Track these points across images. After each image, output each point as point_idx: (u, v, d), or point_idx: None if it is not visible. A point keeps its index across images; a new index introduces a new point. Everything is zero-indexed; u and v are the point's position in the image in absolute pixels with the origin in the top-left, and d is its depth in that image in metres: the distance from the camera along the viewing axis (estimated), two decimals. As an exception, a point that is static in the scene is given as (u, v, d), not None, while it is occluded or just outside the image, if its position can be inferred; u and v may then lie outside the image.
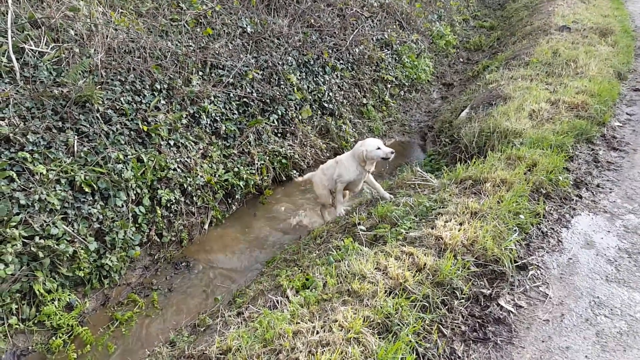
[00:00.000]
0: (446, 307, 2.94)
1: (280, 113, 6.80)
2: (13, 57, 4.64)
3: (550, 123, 5.45)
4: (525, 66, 7.56)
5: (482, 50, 11.38)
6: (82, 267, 4.10)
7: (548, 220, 3.94)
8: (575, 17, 9.93)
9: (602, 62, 7.39)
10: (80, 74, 4.93)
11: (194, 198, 5.35)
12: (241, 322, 3.11)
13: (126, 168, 4.67)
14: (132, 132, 5.03)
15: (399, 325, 2.68)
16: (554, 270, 3.39)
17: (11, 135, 4.07)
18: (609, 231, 3.84)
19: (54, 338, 3.75)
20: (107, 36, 5.61)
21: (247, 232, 5.61)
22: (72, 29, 5.36)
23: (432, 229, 3.60)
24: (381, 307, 2.76)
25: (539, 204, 4.06)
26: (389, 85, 8.91)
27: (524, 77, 7.03)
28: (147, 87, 5.49)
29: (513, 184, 4.14)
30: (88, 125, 4.70)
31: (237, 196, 5.88)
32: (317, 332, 2.61)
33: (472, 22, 13.20)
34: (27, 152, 4.09)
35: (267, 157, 6.40)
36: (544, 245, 3.64)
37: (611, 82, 6.76)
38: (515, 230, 3.62)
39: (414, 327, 2.69)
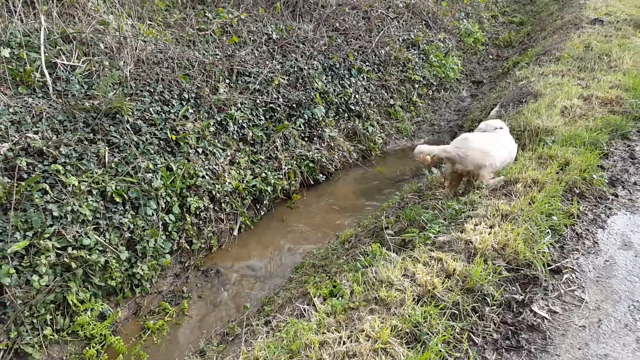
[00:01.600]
0: (477, 314, 2.86)
1: (306, 117, 6.82)
2: (46, 71, 4.84)
3: (583, 119, 5.25)
4: (556, 61, 7.32)
5: (512, 47, 11.10)
6: (114, 277, 4.20)
7: (582, 221, 3.78)
8: (607, 9, 9.56)
9: (637, 54, 7.08)
10: (110, 86, 5.09)
11: (223, 204, 5.43)
12: (269, 332, 3.12)
13: (156, 177, 4.78)
14: (161, 142, 5.15)
15: (427, 334, 2.63)
16: (590, 273, 3.25)
17: (44, 148, 4.23)
18: (648, 231, 3.67)
19: (87, 348, 3.83)
20: (136, 48, 5.78)
21: (275, 237, 5.64)
22: (102, 43, 5.55)
23: (462, 232, 3.52)
24: (409, 316, 2.72)
25: (572, 204, 3.91)
26: (416, 85, 8.81)
27: (555, 72, 6.80)
28: (176, 96, 5.61)
29: (545, 184, 4.00)
30: (118, 136, 4.84)
31: (265, 201, 5.93)
32: (344, 343, 2.59)
33: (501, 18, 12.89)
34: (59, 164, 4.23)
35: (295, 162, 6.42)
36: (578, 248, 3.50)
37: (647, 74, 6.46)
38: (547, 232, 3.49)
39: (444, 335, 2.63)
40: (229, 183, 5.48)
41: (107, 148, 4.67)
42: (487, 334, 2.75)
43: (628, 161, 4.73)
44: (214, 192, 5.29)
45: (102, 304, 4.10)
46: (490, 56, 10.82)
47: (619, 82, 6.13)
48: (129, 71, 5.43)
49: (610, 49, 7.29)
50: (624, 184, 4.34)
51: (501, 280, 3.10)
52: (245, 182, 5.72)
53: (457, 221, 3.80)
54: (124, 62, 5.51)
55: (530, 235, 3.41)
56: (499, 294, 2.97)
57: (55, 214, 3.98)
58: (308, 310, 3.15)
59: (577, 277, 3.22)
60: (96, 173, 4.43)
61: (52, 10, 5.53)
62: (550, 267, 3.26)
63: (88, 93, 4.98)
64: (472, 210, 3.86)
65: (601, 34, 8.14)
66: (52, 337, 3.73)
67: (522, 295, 3.02)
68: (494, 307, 2.92)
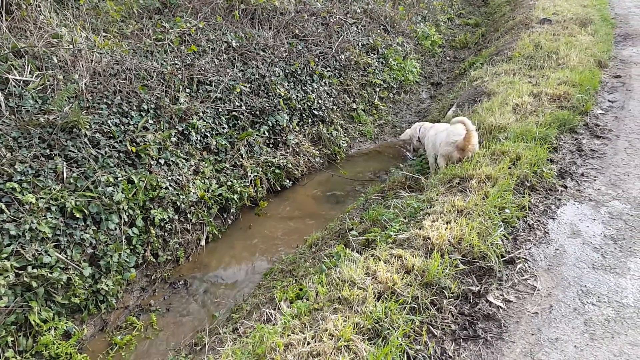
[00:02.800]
0: (435, 307, 2.97)
1: (270, 124, 6.86)
2: (-3, 88, 4.71)
3: (533, 116, 5.51)
4: (508, 61, 7.64)
5: (468, 48, 11.47)
6: (77, 294, 4.12)
7: (534, 213, 3.98)
8: (555, 8, 10.04)
9: (583, 51, 7.47)
10: (65, 100, 4.99)
11: (188, 215, 5.40)
12: (236, 339, 3.14)
13: (117, 190, 4.72)
14: (121, 154, 5.08)
15: (388, 329, 2.72)
16: (542, 262, 3.43)
17: (-2, 166, 4.12)
18: (594, 219, 3.89)
19: (52, 368, 3.74)
20: (91, 60, 5.69)
21: (244, 245, 5.65)
22: (56, 56, 5.43)
23: (420, 229, 3.64)
24: (371, 313, 2.80)
25: (524, 197, 4.10)
26: (377, 89, 8.99)
27: (507, 71, 7.10)
28: (134, 108, 5.55)
29: (498, 179, 4.19)
30: (76, 151, 4.75)
31: (232, 210, 5.92)
32: (308, 343, 2.65)
33: (457, 21, 13.30)
34: (15, 182, 4.12)
35: (260, 169, 6.45)
36: (530, 238, 3.68)
37: (592, 70, 6.83)
38: (501, 225, 3.66)
39: (404, 329, 2.73)
40: (194, 193, 5.45)
41: (64, 163, 4.58)
42: (445, 325, 2.86)
43: (576, 154, 4.99)
44: (178, 203, 5.26)
45: (66, 322, 4.01)
46: (448, 58, 11.15)
47: (567, 79, 6.45)
48: (85, 84, 5.33)
49: (558, 47, 7.65)
50: (572, 175, 4.58)
51: (458, 273, 3.23)
52: (210, 191, 5.70)
53: (416, 219, 3.93)
54: (79, 75, 5.41)
55: (485, 228, 3.57)
56: (455, 286, 3.10)
57: (13, 233, 3.88)
58: (274, 314, 3.18)
59: (529, 267, 3.38)
60: (54, 189, 4.34)
61: (1, 24, 5.39)
62: (504, 258, 3.42)
63: (42, 108, 4.86)
64: (430, 207, 4.00)
65: (550, 33, 8.52)
66: (14, 359, 3.63)
67: (478, 286, 3.16)
68: (452, 299, 3.04)
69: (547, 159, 4.74)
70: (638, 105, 6.01)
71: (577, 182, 4.47)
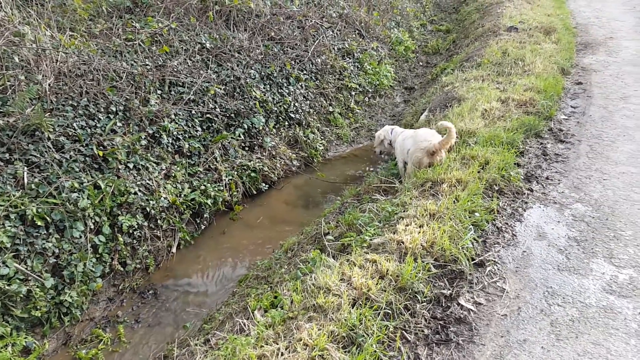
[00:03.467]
0: (409, 312, 2.99)
1: (246, 126, 6.78)
2: (-46, 90, 4.49)
3: (501, 121, 5.65)
4: (478, 67, 7.81)
5: (440, 54, 11.68)
6: (38, 307, 3.93)
7: (502, 216, 4.07)
8: (521, 17, 10.34)
9: (547, 59, 7.72)
10: (27, 101, 4.80)
11: (159, 221, 5.26)
12: (207, 351, 3.07)
13: (82, 196, 4.55)
14: (87, 158, 4.92)
15: (363, 336, 2.71)
16: (510, 264, 3.51)
17: (-47, 172, 3.92)
18: (558, 221, 4.01)
19: (11, 386, 3.55)
20: (56, 60, 5.48)
21: (218, 251, 5.55)
22: (17, 55, 5.21)
23: (394, 233, 3.66)
24: (345, 320, 2.79)
25: (492, 200, 4.20)
26: (353, 93, 9.05)
27: (477, 78, 7.26)
28: (102, 110, 5.39)
29: (468, 183, 4.27)
30: (38, 155, 4.57)
31: (205, 215, 5.81)
32: (282, 354, 2.61)
33: (429, 27, 13.54)
34: (-29, 189, 3.93)
35: (235, 172, 6.36)
36: (499, 241, 3.76)
37: (556, 77, 7.07)
38: (471, 228, 3.73)
39: (378, 336, 2.73)
40: (165, 198, 5.33)
41: (25, 168, 4.39)
42: (418, 330, 2.88)
43: (541, 158, 5.15)
44: (148, 209, 5.12)
45: (25, 337, 3.81)
46: (421, 63, 11.33)
47: (532, 85, 6.65)
48: (49, 85, 5.14)
49: (524, 55, 7.89)
50: (538, 179, 4.72)
51: (430, 276, 3.27)
52: (182, 196, 5.59)
53: (391, 222, 3.96)
54: (43, 75, 5.21)
55: (456, 232, 3.62)
56: (428, 290, 3.13)
57: (-32, 242, 3.68)
58: (247, 324, 3.13)
59: (498, 269, 3.46)
60: (14, 196, 4.15)
61: (-42, 22, 5.15)
62: (475, 261, 3.49)
63: (2, 110, 4.65)
64: (404, 211, 4.03)
65: (516, 41, 8.78)
66: (-33, 379, 3.45)
67: (449, 289, 3.20)
68: (425, 303, 3.07)
69: (515, 163, 4.86)
70: (598, 111, 6.26)
71: (543, 185, 4.60)
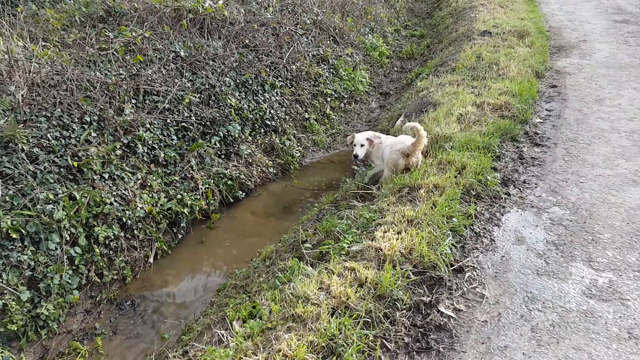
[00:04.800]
0: (389, 319, 3.00)
1: (222, 134, 6.74)
2: None
3: (477, 125, 5.73)
4: (452, 72, 7.92)
5: (415, 59, 11.81)
6: (14, 320, 3.87)
7: (480, 221, 4.12)
8: (495, 21, 10.54)
9: (521, 62, 7.88)
10: (0, 113, 4.69)
11: (135, 231, 5.19)
12: (185, 362, 3.03)
13: (57, 208, 4.46)
14: (61, 169, 4.83)
15: (343, 345, 2.71)
16: (489, 269, 3.55)
17: None
18: (536, 225, 4.08)
19: (-14, 402, 3.49)
20: (29, 71, 5.38)
21: (195, 260, 5.49)
22: (-12, 67, 5.09)
23: (372, 240, 3.68)
24: (325, 330, 2.79)
25: (470, 205, 4.25)
26: (329, 99, 9.08)
27: (451, 82, 7.36)
28: (76, 120, 5.29)
29: (445, 188, 4.31)
30: (12, 167, 4.48)
31: (182, 224, 5.75)
32: (261, 365, 2.60)
33: (403, 32, 13.68)
34: (-58, 202, 3.82)
35: (212, 181, 6.31)
36: (477, 246, 3.81)
37: (530, 81, 7.22)
38: (449, 234, 3.77)
39: (358, 345, 2.73)
40: (141, 208, 5.25)
41: (-1, 181, 4.28)
42: (399, 338, 2.90)
43: (517, 162, 5.24)
44: (124, 219, 5.04)
45: (2, 352, 3.76)
46: (395, 68, 11.44)
47: (507, 89, 6.77)
48: (22, 96, 5.03)
49: (499, 59, 8.04)
50: (515, 183, 4.80)
51: (409, 283, 3.29)
52: (159, 205, 5.51)
53: (369, 229, 3.97)
54: (16, 86, 5.10)
55: (434, 238, 3.66)
56: (408, 298, 3.15)
57: (-62, 258, 3.57)
58: (226, 335, 3.10)
59: (477, 275, 3.50)
60: (-14, 209, 4.04)
61: None
62: (453, 267, 3.52)
63: (-29, 122, 4.53)
64: (382, 217, 4.05)
65: (490, 45, 8.93)
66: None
67: (429, 296, 3.23)
68: (404, 310, 3.08)
69: (491, 168, 4.93)
70: (573, 113, 6.40)
71: (520, 189, 4.68)
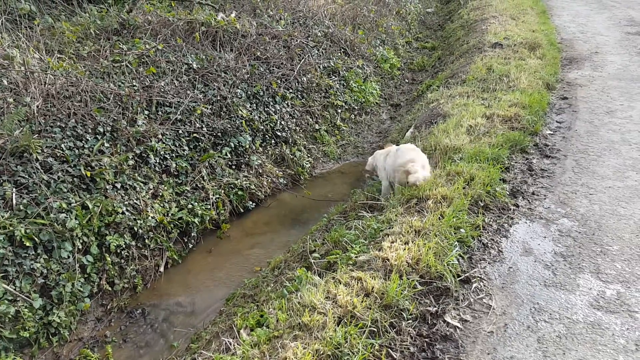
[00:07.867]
0: (395, 329, 3.00)
1: (233, 145, 6.83)
2: (-59, 112, 4.50)
3: (486, 137, 5.73)
4: (462, 84, 7.95)
5: (426, 70, 11.86)
6: (27, 327, 3.93)
7: (488, 232, 4.11)
8: (506, 33, 10.56)
9: (532, 74, 7.87)
10: (15, 123, 4.82)
11: (147, 240, 5.26)
12: (193, 369, 3.06)
13: (70, 217, 4.55)
14: (74, 179, 4.93)
15: (348, 354, 2.72)
16: (496, 280, 3.54)
17: (-59, 194, 3.91)
18: (545, 237, 4.05)
19: (-2, 407, 3.55)
20: (44, 82, 5.53)
21: (205, 269, 5.53)
22: (6, 78, 5.26)
23: (379, 250, 3.69)
24: (331, 338, 2.80)
25: (478, 216, 4.24)
26: (339, 110, 9.15)
27: (462, 94, 7.38)
28: (90, 130, 5.41)
29: (453, 199, 4.31)
30: (27, 176, 4.58)
31: (193, 234, 5.81)
32: (267, 373, 2.61)
33: (414, 44, 13.77)
34: (-41, 211, 3.93)
35: (222, 191, 6.38)
36: (485, 257, 3.80)
37: (541, 92, 7.20)
38: (456, 245, 3.76)
39: (364, 354, 2.74)
40: (152, 217, 5.33)
41: (14, 189, 4.40)
42: (404, 348, 2.89)
43: (527, 173, 5.22)
44: (135, 228, 5.12)
45: (14, 358, 3.81)
46: (406, 80, 11.50)
47: (517, 101, 6.76)
48: (37, 107, 5.17)
49: (509, 70, 8.04)
50: (524, 194, 4.78)
51: (416, 294, 3.29)
52: (170, 215, 5.59)
53: (376, 240, 3.98)
54: (32, 97, 5.24)
55: (441, 248, 3.65)
56: (414, 308, 3.15)
57: (-45, 265, 3.67)
58: (233, 344, 3.12)
59: (484, 285, 3.48)
60: (2, 217, 4.16)
61: (-54, 45, 5.18)
62: (460, 278, 3.51)
63: (-10, 132, 4.67)
64: (389, 228, 4.06)
65: (501, 57, 8.95)
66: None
67: (435, 306, 3.22)
68: (410, 320, 3.08)
69: (500, 179, 4.91)
70: (584, 125, 6.37)
71: (529, 200, 4.66)
